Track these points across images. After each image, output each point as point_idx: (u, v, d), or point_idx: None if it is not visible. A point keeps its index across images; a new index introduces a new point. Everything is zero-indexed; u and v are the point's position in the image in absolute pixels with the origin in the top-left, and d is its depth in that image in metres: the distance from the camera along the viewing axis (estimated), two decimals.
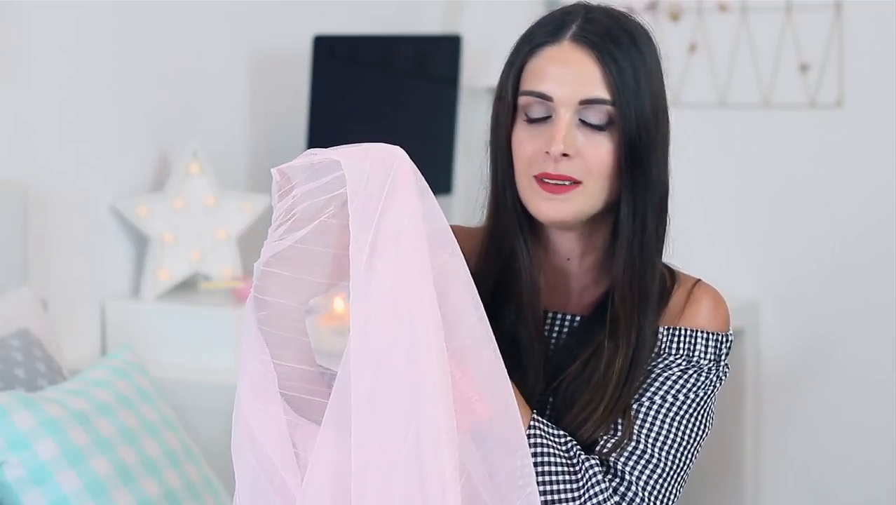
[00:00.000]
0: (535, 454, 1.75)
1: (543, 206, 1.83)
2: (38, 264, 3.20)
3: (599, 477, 1.78)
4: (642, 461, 1.81)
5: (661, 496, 1.80)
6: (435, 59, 4.06)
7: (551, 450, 1.77)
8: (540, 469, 1.76)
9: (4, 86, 3.16)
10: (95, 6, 3.35)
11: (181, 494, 2.68)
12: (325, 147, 1.76)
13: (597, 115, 1.82)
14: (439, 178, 3.94)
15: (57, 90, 3.28)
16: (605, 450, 1.81)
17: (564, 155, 1.81)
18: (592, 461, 1.79)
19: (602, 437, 1.82)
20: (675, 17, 4.14)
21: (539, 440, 1.77)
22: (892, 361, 3.92)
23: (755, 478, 4.09)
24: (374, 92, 3.89)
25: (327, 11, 3.95)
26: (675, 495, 1.83)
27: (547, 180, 1.82)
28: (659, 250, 1.87)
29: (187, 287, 3.50)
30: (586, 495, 1.77)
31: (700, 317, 1.90)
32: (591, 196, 1.83)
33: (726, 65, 4.08)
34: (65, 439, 2.56)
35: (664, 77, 1.89)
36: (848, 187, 3.96)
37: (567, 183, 1.82)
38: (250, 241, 3.66)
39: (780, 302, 4.06)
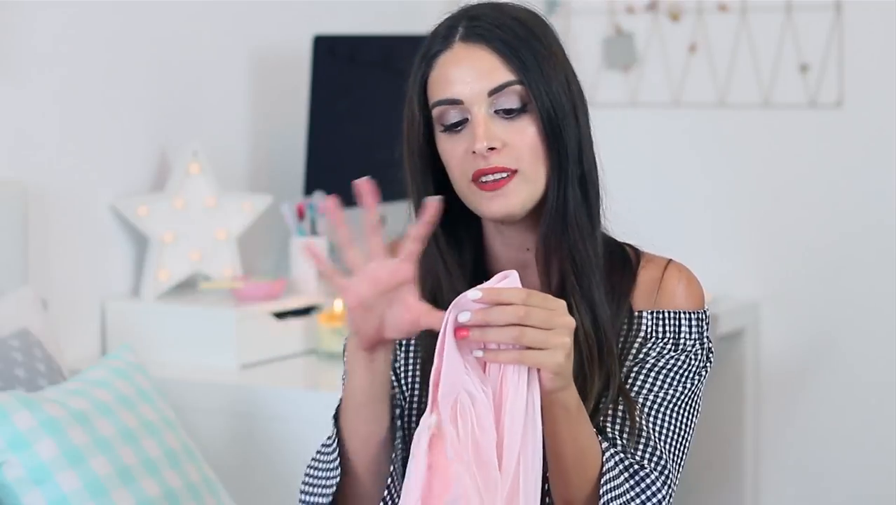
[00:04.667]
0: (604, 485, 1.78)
1: (489, 205, 1.84)
2: (38, 264, 3.20)
3: (654, 477, 1.81)
4: (654, 458, 1.83)
5: (671, 490, 1.83)
6: None
7: (616, 479, 1.79)
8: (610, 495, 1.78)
9: (4, 85, 3.16)
10: (95, 6, 3.35)
11: (181, 494, 2.68)
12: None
13: (510, 100, 1.83)
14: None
15: (57, 90, 3.28)
16: (623, 444, 1.83)
17: (491, 149, 1.82)
18: (649, 469, 1.81)
19: (607, 424, 1.84)
20: (675, 17, 4.14)
21: (609, 474, 1.78)
22: (893, 360, 3.92)
23: (755, 477, 4.09)
24: (374, 92, 3.89)
25: (327, 11, 3.95)
26: (678, 484, 1.87)
27: (484, 179, 1.82)
28: (591, 218, 1.87)
29: (187, 287, 3.50)
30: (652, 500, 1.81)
31: (678, 297, 1.91)
32: (531, 181, 1.83)
33: (726, 65, 4.08)
34: (65, 439, 2.56)
35: (566, 51, 1.90)
36: (848, 187, 3.95)
37: (504, 175, 1.82)
38: (250, 242, 3.66)
39: (780, 302, 4.06)
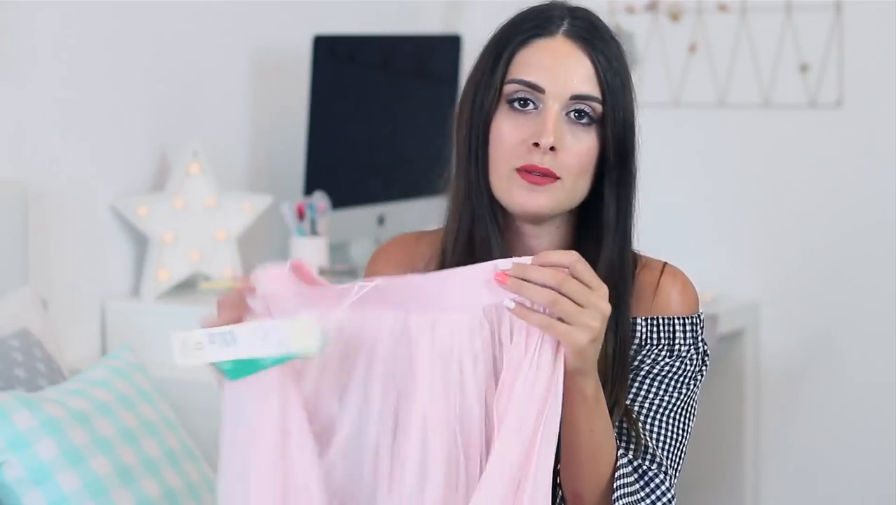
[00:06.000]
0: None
1: (521, 195, 1.82)
2: (38, 264, 3.20)
3: (661, 478, 1.82)
4: (654, 465, 1.83)
5: (671, 495, 1.83)
6: (435, 59, 4.06)
7: (627, 477, 1.80)
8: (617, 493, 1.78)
9: (5, 85, 3.16)
10: (95, 6, 3.35)
11: (181, 494, 2.68)
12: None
13: (587, 111, 1.83)
14: (438, 178, 3.94)
15: (57, 90, 3.28)
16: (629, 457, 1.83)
17: (551, 148, 1.81)
18: (656, 471, 1.82)
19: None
20: (675, 17, 4.14)
21: (620, 471, 1.79)
22: (893, 360, 3.92)
23: (755, 477, 4.09)
24: (374, 92, 3.89)
25: (327, 11, 3.95)
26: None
27: (531, 172, 1.81)
28: (631, 241, 1.90)
29: (187, 287, 3.51)
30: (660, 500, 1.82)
31: (672, 303, 1.91)
32: (567, 192, 1.83)
33: (726, 65, 4.08)
34: (65, 439, 2.56)
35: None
36: (848, 187, 3.96)
37: (546, 177, 1.82)
38: (250, 242, 3.66)
39: (780, 302, 4.06)
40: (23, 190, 3.10)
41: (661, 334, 1.90)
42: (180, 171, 3.44)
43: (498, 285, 1.66)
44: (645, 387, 1.87)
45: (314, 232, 3.60)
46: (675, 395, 1.87)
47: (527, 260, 1.67)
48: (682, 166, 4.15)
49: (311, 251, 3.56)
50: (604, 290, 1.67)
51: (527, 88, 1.83)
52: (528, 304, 1.66)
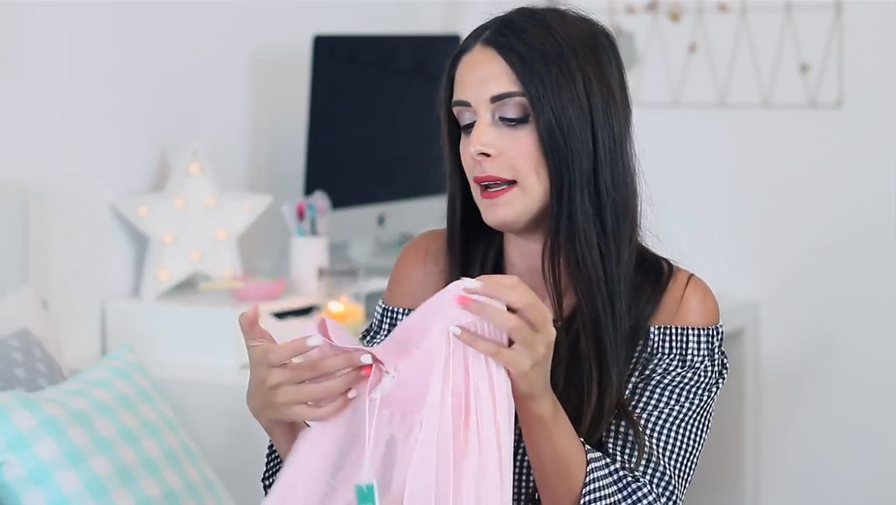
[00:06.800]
0: (591, 492, 1.76)
1: (487, 212, 1.83)
2: (38, 264, 3.20)
3: (646, 491, 1.81)
4: (657, 476, 1.83)
5: None
6: (435, 59, 4.05)
7: (605, 489, 1.78)
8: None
9: (5, 85, 3.16)
10: (95, 6, 3.35)
11: (181, 494, 2.68)
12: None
13: (512, 110, 1.82)
14: (438, 178, 3.94)
15: (57, 90, 3.28)
16: (624, 461, 1.82)
17: (485, 155, 1.81)
18: (644, 488, 1.80)
19: (608, 441, 1.82)
20: (675, 17, 4.14)
21: (595, 484, 1.77)
22: (893, 360, 3.92)
23: (755, 478, 4.09)
24: (374, 92, 3.89)
25: (327, 11, 3.95)
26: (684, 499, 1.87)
27: (484, 185, 1.82)
28: (607, 238, 1.85)
29: (187, 287, 3.50)
30: None
31: (690, 314, 1.89)
32: (530, 194, 1.82)
33: (726, 65, 4.08)
34: (65, 439, 2.56)
35: (618, 73, 1.89)
36: (848, 187, 3.96)
37: (501, 185, 1.81)
38: (250, 242, 3.66)
39: (780, 302, 4.06)
40: (23, 190, 3.10)
41: (674, 343, 1.88)
42: (180, 171, 3.44)
43: (460, 306, 1.62)
44: (655, 397, 1.85)
45: (314, 232, 3.60)
46: (686, 405, 1.85)
47: (475, 284, 1.63)
48: (682, 166, 4.15)
49: (311, 251, 3.56)
50: (549, 314, 1.65)
51: (460, 107, 1.85)
52: (475, 329, 1.62)
